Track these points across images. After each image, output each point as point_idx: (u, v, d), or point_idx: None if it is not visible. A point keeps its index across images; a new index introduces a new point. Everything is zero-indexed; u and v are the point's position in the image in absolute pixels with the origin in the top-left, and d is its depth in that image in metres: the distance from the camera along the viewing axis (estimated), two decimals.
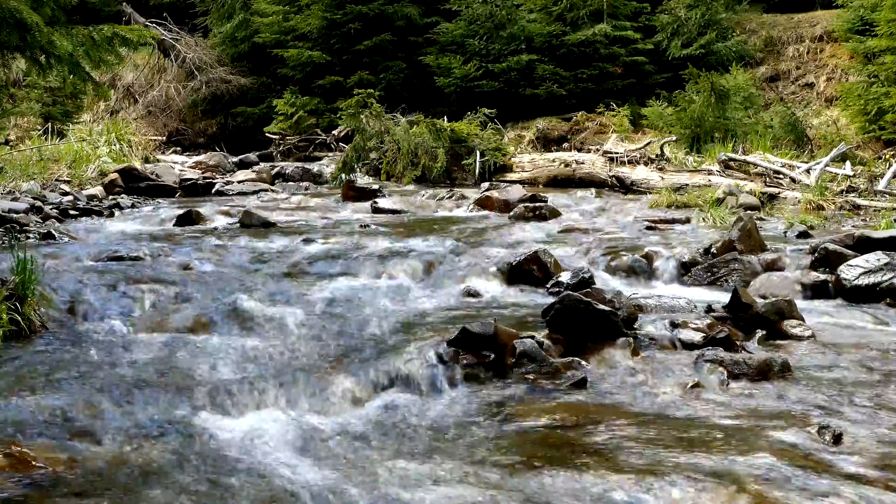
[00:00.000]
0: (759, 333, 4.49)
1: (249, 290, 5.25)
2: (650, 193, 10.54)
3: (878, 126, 12.17)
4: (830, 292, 5.41)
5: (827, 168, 10.01)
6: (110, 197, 10.22)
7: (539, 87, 15.89)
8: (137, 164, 12.06)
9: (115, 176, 11.03)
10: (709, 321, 4.45)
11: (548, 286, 5.50)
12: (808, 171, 10.19)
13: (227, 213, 8.79)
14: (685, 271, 6.00)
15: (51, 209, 8.52)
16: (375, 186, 10.86)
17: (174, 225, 8.26)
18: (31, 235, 7.08)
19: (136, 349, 4.15)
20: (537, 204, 8.93)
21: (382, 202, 9.55)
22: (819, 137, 12.93)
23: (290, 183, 12.90)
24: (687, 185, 10.47)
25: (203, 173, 12.92)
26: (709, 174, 10.88)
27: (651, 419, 3.39)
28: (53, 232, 7.21)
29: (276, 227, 8.02)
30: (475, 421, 3.43)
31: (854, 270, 5.37)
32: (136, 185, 11.04)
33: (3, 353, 3.97)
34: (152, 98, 19.80)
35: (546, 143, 15.21)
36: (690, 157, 12.15)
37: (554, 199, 9.92)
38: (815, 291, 5.43)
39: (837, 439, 3.10)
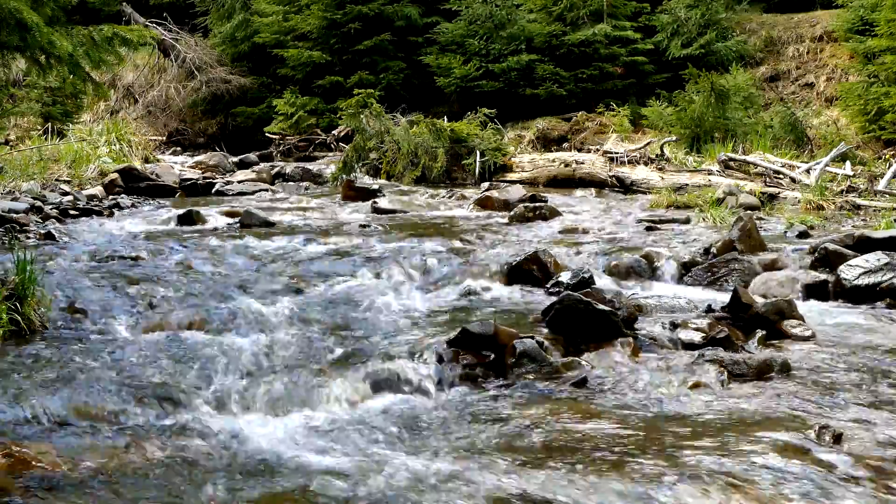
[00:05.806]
0: (759, 333, 4.49)
1: (249, 290, 5.25)
2: (650, 193, 10.54)
3: (878, 126, 12.16)
4: (830, 292, 5.41)
5: (827, 168, 10.00)
6: (110, 197, 10.21)
7: (539, 87, 15.89)
8: (137, 164, 12.04)
9: (115, 176, 11.01)
10: (709, 321, 4.46)
11: (548, 286, 5.50)
12: (808, 171, 10.19)
13: (227, 213, 8.78)
14: (685, 271, 5.99)
15: (51, 209, 8.51)
16: (375, 186, 10.85)
17: (174, 225, 8.26)
18: (31, 235, 7.07)
19: (136, 349, 4.15)
20: (537, 204, 8.93)
21: (382, 202, 9.54)
22: (819, 137, 12.92)
23: (290, 183, 12.88)
24: (687, 185, 10.47)
25: (203, 173, 12.90)
26: (709, 174, 10.88)
27: (651, 419, 3.39)
28: (53, 232, 7.20)
29: (277, 227, 8.01)
30: (475, 421, 3.43)
31: (854, 270, 5.37)
32: (136, 185, 11.02)
33: (3, 353, 3.97)
34: (152, 98, 19.80)
35: (546, 143, 15.20)
36: (690, 157, 12.14)
37: (554, 199, 9.92)
38: (815, 291, 5.43)
39: (837, 439, 3.10)
